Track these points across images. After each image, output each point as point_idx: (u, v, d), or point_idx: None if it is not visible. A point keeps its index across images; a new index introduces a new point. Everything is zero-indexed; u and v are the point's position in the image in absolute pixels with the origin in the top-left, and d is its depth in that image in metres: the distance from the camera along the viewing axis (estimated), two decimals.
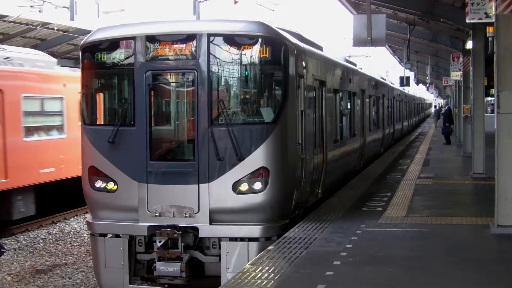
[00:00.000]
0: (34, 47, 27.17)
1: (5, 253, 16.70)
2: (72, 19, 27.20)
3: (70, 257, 17.09)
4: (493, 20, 11.99)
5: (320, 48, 16.28)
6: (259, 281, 8.53)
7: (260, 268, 9.17)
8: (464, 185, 18.53)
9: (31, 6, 25.57)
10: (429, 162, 25.32)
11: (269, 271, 8.97)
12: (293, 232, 11.47)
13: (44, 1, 26.09)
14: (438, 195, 16.44)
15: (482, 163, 19.91)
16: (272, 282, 8.48)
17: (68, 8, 27.52)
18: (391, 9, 24.06)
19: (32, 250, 17.92)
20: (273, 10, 34.21)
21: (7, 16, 22.65)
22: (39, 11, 25.59)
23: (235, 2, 29.93)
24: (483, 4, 15.44)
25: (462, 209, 14.29)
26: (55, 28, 26.06)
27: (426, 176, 20.20)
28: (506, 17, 11.39)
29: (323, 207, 14.13)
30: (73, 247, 18.29)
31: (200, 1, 26.88)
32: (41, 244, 18.55)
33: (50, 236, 19.56)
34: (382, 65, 77.75)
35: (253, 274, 8.85)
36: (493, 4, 11.80)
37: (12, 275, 15.46)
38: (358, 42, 15.42)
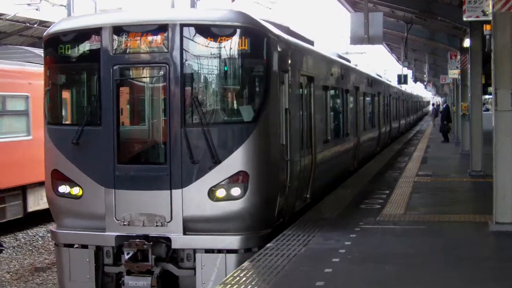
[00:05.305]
0: (32, 45, 27.17)
1: (4, 251, 16.69)
2: None
3: None
4: (490, 18, 12.01)
5: (310, 42, 15.44)
6: (258, 278, 8.54)
7: (260, 263, 9.17)
8: (462, 182, 18.54)
9: (28, 5, 25.55)
10: (427, 160, 25.31)
11: (268, 269, 8.97)
12: (291, 230, 11.41)
13: (41, 0, 26.09)
14: (436, 193, 16.44)
15: (480, 160, 19.91)
16: (272, 278, 8.49)
17: (65, 6, 27.52)
18: (388, 7, 24.06)
19: (31, 248, 17.93)
20: (270, 8, 34.17)
21: (4, 14, 22.65)
22: (36, 10, 25.59)
23: (232, 0, 29.91)
24: (480, 2, 15.43)
25: (460, 207, 14.31)
26: None
27: (425, 174, 20.20)
28: (503, 15, 11.41)
29: (321, 205, 14.09)
30: None
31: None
32: (40, 242, 18.55)
33: (49, 234, 19.55)
34: (381, 63, 77.92)
35: (251, 272, 8.86)
36: (490, 2, 11.82)
37: (11, 273, 15.46)
38: (356, 40, 15.45)
